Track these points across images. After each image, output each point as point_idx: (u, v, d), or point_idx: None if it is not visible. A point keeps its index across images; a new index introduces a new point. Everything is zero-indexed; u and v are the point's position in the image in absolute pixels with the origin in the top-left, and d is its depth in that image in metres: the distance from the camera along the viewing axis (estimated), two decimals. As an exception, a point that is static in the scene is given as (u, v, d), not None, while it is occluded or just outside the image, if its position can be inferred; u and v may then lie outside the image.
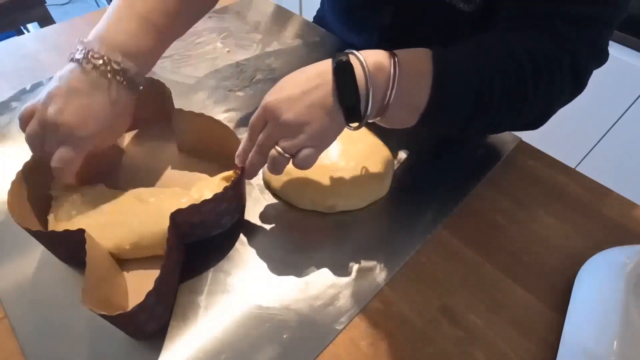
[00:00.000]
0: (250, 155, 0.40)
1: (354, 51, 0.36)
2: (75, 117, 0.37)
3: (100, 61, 0.38)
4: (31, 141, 0.39)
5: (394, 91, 0.36)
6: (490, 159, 0.53)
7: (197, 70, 0.64)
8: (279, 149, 0.37)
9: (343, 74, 0.35)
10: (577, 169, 0.52)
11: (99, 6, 2.60)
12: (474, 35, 0.42)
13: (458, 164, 0.52)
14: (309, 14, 0.87)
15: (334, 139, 0.39)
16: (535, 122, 0.44)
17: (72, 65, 0.39)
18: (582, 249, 0.44)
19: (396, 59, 0.36)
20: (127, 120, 0.42)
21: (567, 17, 0.40)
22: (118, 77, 0.39)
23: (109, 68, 0.38)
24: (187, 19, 0.47)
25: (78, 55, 0.38)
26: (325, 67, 0.36)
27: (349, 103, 0.36)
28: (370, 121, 0.38)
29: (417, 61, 0.37)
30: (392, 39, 0.57)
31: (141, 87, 0.41)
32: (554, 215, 0.47)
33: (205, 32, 0.72)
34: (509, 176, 0.51)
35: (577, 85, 0.42)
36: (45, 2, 1.46)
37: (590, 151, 1.25)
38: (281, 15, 0.78)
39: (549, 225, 0.46)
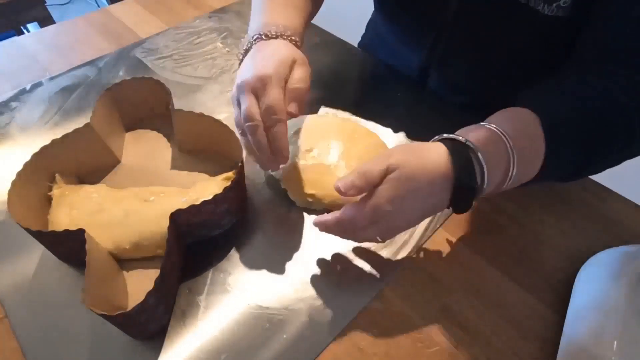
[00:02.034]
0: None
1: (476, 151, 0.33)
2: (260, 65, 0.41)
3: (273, 33, 0.44)
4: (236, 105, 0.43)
5: (514, 173, 0.35)
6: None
7: (197, 70, 0.64)
8: (379, 239, 0.38)
9: (463, 195, 0.35)
10: (577, 169, 0.52)
11: (98, 6, 2.60)
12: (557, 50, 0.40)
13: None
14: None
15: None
16: (637, 154, 0.42)
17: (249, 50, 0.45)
18: (582, 249, 0.44)
19: (514, 156, 0.34)
20: (302, 57, 0.44)
21: None
22: (285, 38, 0.45)
23: (280, 36, 0.45)
24: (315, 3, 0.55)
25: (248, 45, 0.45)
26: (443, 180, 0.34)
27: (461, 211, 0.37)
28: None
29: (531, 143, 0.35)
30: (453, 41, 0.55)
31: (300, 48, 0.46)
32: (554, 215, 0.47)
33: (205, 32, 0.72)
34: (509, 176, 0.51)
35: None
36: (45, 2, 1.46)
37: (590, 151, 1.24)
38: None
39: (549, 225, 0.46)
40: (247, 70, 0.41)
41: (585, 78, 0.40)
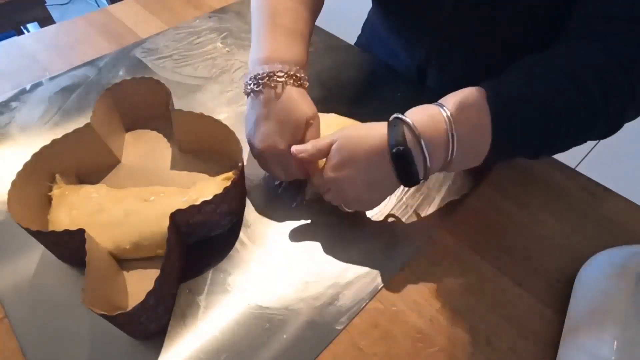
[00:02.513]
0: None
1: (406, 120, 0.36)
2: (272, 132, 0.43)
3: (280, 77, 0.43)
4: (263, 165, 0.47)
5: (453, 157, 0.36)
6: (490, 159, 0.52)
7: (197, 70, 0.64)
8: (337, 205, 0.44)
9: (402, 162, 0.37)
10: (577, 169, 0.52)
11: (98, 6, 2.60)
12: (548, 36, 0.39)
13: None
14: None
15: (380, 201, 0.44)
16: (606, 135, 0.40)
17: (257, 95, 0.43)
18: (582, 249, 0.44)
19: (452, 124, 0.35)
20: (311, 110, 0.45)
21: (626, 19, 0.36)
22: (292, 81, 0.44)
23: (287, 79, 0.43)
24: (314, 18, 0.52)
25: (254, 85, 0.43)
26: (381, 152, 0.37)
27: (409, 184, 0.39)
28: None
29: (474, 115, 0.36)
30: (450, 39, 0.55)
31: (306, 84, 0.45)
32: (554, 215, 0.47)
33: (205, 32, 0.72)
34: (509, 176, 0.51)
35: None
36: (45, 2, 1.46)
37: (590, 151, 1.25)
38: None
39: (549, 225, 0.46)
40: (259, 135, 0.43)
41: (566, 48, 0.39)
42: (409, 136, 0.36)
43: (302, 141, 0.43)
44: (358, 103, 0.59)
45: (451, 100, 0.37)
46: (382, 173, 0.38)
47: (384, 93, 0.61)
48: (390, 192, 0.42)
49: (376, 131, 0.38)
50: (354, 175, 0.39)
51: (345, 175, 0.39)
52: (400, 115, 0.37)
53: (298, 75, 0.44)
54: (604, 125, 0.38)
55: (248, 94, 0.44)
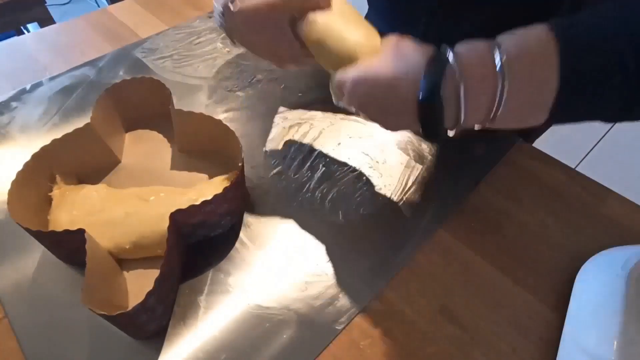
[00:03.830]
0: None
1: (453, 56, 0.29)
2: None
3: None
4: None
5: (502, 103, 0.29)
6: (490, 159, 0.52)
7: (197, 70, 0.64)
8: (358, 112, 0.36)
9: (430, 109, 0.30)
10: (577, 169, 0.52)
11: (98, 6, 2.60)
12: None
13: (458, 164, 0.52)
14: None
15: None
16: None
17: None
18: (582, 249, 0.44)
19: (504, 56, 0.28)
20: None
21: None
22: None
23: None
24: None
25: None
26: (411, 83, 0.31)
27: (431, 136, 0.33)
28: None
29: (531, 44, 0.28)
30: (443, 25, 0.54)
31: None
32: (554, 215, 0.47)
33: (205, 32, 0.72)
34: (509, 176, 0.51)
35: None
36: (45, 2, 1.46)
37: (590, 151, 1.25)
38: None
39: (549, 225, 0.46)
40: None
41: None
42: (449, 76, 0.29)
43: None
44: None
45: (510, 42, 0.29)
46: (405, 114, 0.32)
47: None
48: (405, 126, 0.36)
49: (408, 63, 0.32)
50: (378, 103, 0.34)
51: (368, 92, 0.34)
52: (448, 50, 0.30)
53: None
54: None
55: None
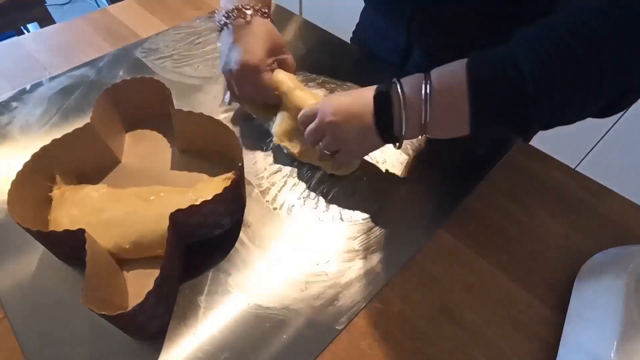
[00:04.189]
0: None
1: (396, 80, 0.40)
2: (246, 52, 0.49)
3: (247, 9, 0.49)
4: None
5: (428, 113, 0.38)
6: (490, 159, 0.53)
7: (197, 70, 0.64)
8: (321, 146, 0.46)
9: (381, 103, 0.41)
10: (577, 169, 0.52)
11: (98, 6, 2.60)
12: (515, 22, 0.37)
13: (458, 164, 0.52)
14: (309, 14, 0.87)
15: (369, 151, 0.48)
16: (607, 109, 0.38)
17: (227, 26, 0.50)
18: (582, 249, 0.44)
19: (429, 81, 0.38)
20: (280, 40, 0.53)
21: None
22: (259, 14, 0.51)
23: (254, 12, 0.50)
24: None
25: (225, 19, 0.50)
26: (368, 95, 0.42)
27: (384, 128, 0.41)
28: (411, 138, 0.45)
29: (452, 74, 0.37)
30: (427, 15, 0.56)
31: (270, 19, 0.53)
32: (554, 215, 0.47)
33: (205, 32, 0.72)
34: (509, 176, 0.51)
35: None
36: (45, 2, 1.46)
37: (590, 151, 1.25)
38: (281, 15, 0.78)
39: (549, 225, 0.46)
40: (233, 57, 0.49)
41: (550, 17, 0.36)
42: (393, 88, 0.40)
43: (278, 64, 0.51)
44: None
45: (439, 68, 0.39)
46: (364, 112, 0.42)
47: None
48: (371, 137, 0.43)
49: (364, 93, 0.43)
50: (342, 106, 0.43)
51: (335, 104, 0.43)
52: (389, 84, 0.41)
53: (263, 10, 0.51)
54: (596, 92, 0.34)
55: (220, 29, 0.50)
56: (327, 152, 0.46)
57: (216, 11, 0.52)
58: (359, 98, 0.43)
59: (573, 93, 0.34)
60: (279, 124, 0.51)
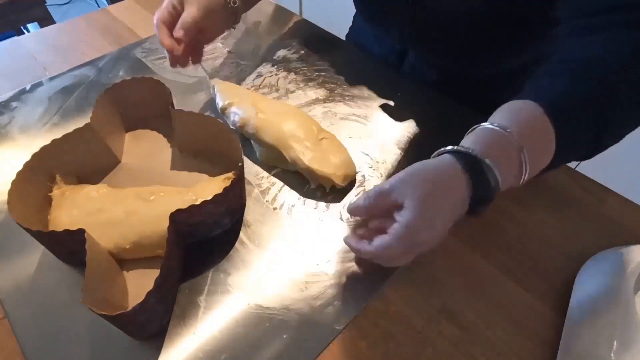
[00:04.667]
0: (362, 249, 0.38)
1: (490, 165, 0.34)
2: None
3: None
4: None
5: (525, 178, 0.36)
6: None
7: (197, 70, 0.64)
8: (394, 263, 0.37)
9: (481, 206, 0.36)
10: (577, 169, 0.52)
11: (98, 6, 2.60)
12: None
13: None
14: (309, 14, 0.87)
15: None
16: None
17: None
18: (582, 249, 0.44)
19: (523, 149, 0.34)
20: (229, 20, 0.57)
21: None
22: None
23: None
24: None
25: None
26: (461, 191, 0.34)
27: (478, 204, 0.36)
28: None
29: (538, 132, 0.35)
30: (417, 20, 0.57)
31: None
32: (554, 215, 0.47)
33: (205, 32, 0.72)
34: (509, 176, 0.51)
35: None
36: (45, 2, 1.46)
37: (590, 151, 1.24)
38: (281, 15, 0.78)
39: (549, 225, 0.46)
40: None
41: (584, 38, 0.38)
42: (488, 174, 0.34)
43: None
44: (357, 98, 0.59)
45: (512, 121, 0.35)
46: (459, 200, 0.35)
47: (371, 82, 0.61)
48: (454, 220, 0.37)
49: (437, 160, 0.36)
50: (440, 205, 0.34)
51: (433, 213, 0.34)
52: (462, 148, 0.35)
53: None
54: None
55: None
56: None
57: None
58: (443, 181, 0.35)
59: (631, 113, 0.37)
60: (260, 154, 0.51)
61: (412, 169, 0.36)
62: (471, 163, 0.34)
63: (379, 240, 0.35)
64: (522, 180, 0.36)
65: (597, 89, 0.35)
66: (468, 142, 0.35)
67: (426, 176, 0.35)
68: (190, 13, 0.51)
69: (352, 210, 0.39)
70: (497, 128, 0.35)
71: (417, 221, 0.34)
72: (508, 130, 0.34)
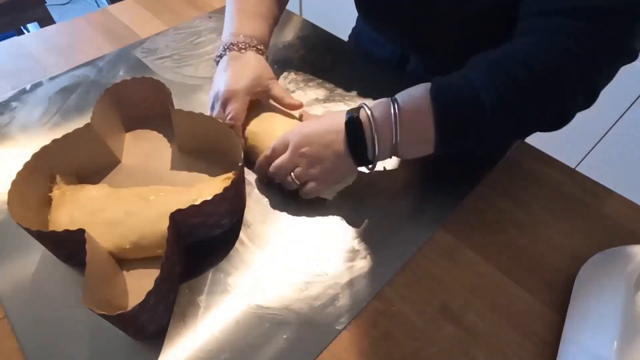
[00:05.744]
0: (268, 171, 0.47)
1: (364, 105, 0.42)
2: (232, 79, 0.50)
3: (243, 45, 0.52)
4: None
5: (398, 134, 0.41)
6: (490, 160, 0.53)
7: (197, 70, 0.64)
8: (293, 176, 0.45)
9: (352, 128, 0.42)
10: (577, 169, 0.52)
11: (98, 6, 2.60)
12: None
13: (458, 164, 0.52)
14: (309, 14, 0.87)
15: (341, 178, 0.47)
16: (555, 125, 0.42)
17: (223, 57, 0.53)
18: (582, 249, 0.44)
19: (396, 105, 0.40)
20: (269, 72, 0.54)
21: (579, 11, 0.37)
22: (254, 50, 0.53)
23: (249, 47, 0.53)
24: (280, 6, 0.61)
25: (222, 51, 0.53)
26: (339, 121, 0.43)
27: (357, 152, 0.42)
28: (383, 160, 0.44)
29: (416, 99, 0.40)
30: (417, 26, 0.58)
31: (265, 55, 0.55)
32: (554, 215, 0.47)
33: (205, 32, 0.72)
34: (509, 176, 0.51)
35: (588, 87, 0.39)
36: (45, 2, 1.46)
37: (590, 151, 1.24)
38: (281, 15, 0.78)
39: (549, 225, 0.46)
40: (221, 82, 0.50)
41: (520, 37, 0.41)
42: (362, 113, 0.42)
43: (262, 93, 0.52)
44: (357, 98, 0.59)
45: (401, 93, 0.42)
46: (336, 140, 0.43)
47: (371, 82, 0.61)
48: (344, 164, 0.44)
49: (335, 122, 0.43)
50: (315, 135, 0.44)
51: (306, 133, 0.44)
52: (358, 111, 0.42)
53: (259, 47, 0.53)
54: (541, 111, 0.40)
55: (217, 61, 0.53)
56: (298, 183, 0.45)
57: (217, 45, 0.55)
58: (330, 126, 0.43)
59: (524, 116, 0.40)
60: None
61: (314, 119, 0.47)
62: (354, 116, 0.42)
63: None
64: (394, 138, 0.41)
65: (499, 81, 0.38)
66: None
67: (317, 124, 0.45)
68: (236, 110, 0.49)
69: (256, 169, 0.48)
70: (386, 100, 0.41)
71: (298, 127, 0.45)
72: (394, 97, 0.41)
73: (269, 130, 0.49)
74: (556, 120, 0.41)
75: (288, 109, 0.52)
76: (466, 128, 0.40)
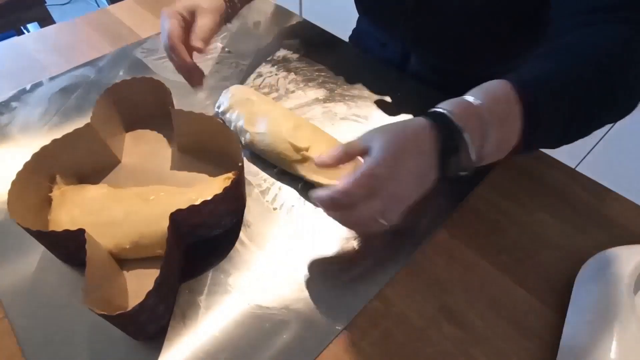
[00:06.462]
0: (340, 215, 0.36)
1: (443, 109, 0.34)
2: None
3: None
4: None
5: (485, 146, 0.35)
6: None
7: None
8: (382, 221, 0.35)
9: (449, 154, 0.35)
10: (577, 169, 0.52)
11: (98, 6, 2.60)
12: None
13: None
14: (309, 14, 0.87)
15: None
16: (624, 113, 0.40)
17: None
18: (582, 249, 0.44)
19: (486, 113, 0.34)
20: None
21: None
22: None
23: None
24: None
25: None
26: (420, 124, 0.35)
27: (451, 174, 0.36)
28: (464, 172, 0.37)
29: (504, 105, 0.35)
30: (419, 26, 0.58)
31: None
32: (554, 215, 0.47)
33: (205, 32, 0.72)
34: (509, 176, 0.51)
35: None
36: (45, 2, 1.46)
37: (590, 151, 1.25)
38: (281, 15, 0.78)
39: (549, 226, 0.46)
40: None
41: (573, 32, 0.40)
42: (448, 117, 0.34)
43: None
44: (357, 98, 0.59)
45: (481, 93, 0.35)
46: (428, 160, 0.34)
47: (371, 83, 0.61)
48: (429, 185, 0.36)
49: (414, 122, 0.35)
50: (408, 164, 0.34)
51: (400, 166, 0.34)
52: (440, 110, 0.35)
53: None
54: (625, 99, 0.38)
55: None
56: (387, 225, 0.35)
57: None
58: (411, 132, 0.35)
59: (605, 106, 0.38)
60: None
61: (382, 125, 0.36)
62: (437, 115, 0.35)
63: (339, 183, 0.33)
64: (486, 144, 0.35)
65: (582, 68, 0.36)
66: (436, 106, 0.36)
67: (395, 128, 0.35)
68: (206, 24, 0.49)
69: (321, 162, 0.39)
70: (466, 98, 0.35)
71: (380, 167, 0.33)
72: (473, 98, 0.35)
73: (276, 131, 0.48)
74: (627, 107, 0.39)
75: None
76: (553, 127, 0.36)
